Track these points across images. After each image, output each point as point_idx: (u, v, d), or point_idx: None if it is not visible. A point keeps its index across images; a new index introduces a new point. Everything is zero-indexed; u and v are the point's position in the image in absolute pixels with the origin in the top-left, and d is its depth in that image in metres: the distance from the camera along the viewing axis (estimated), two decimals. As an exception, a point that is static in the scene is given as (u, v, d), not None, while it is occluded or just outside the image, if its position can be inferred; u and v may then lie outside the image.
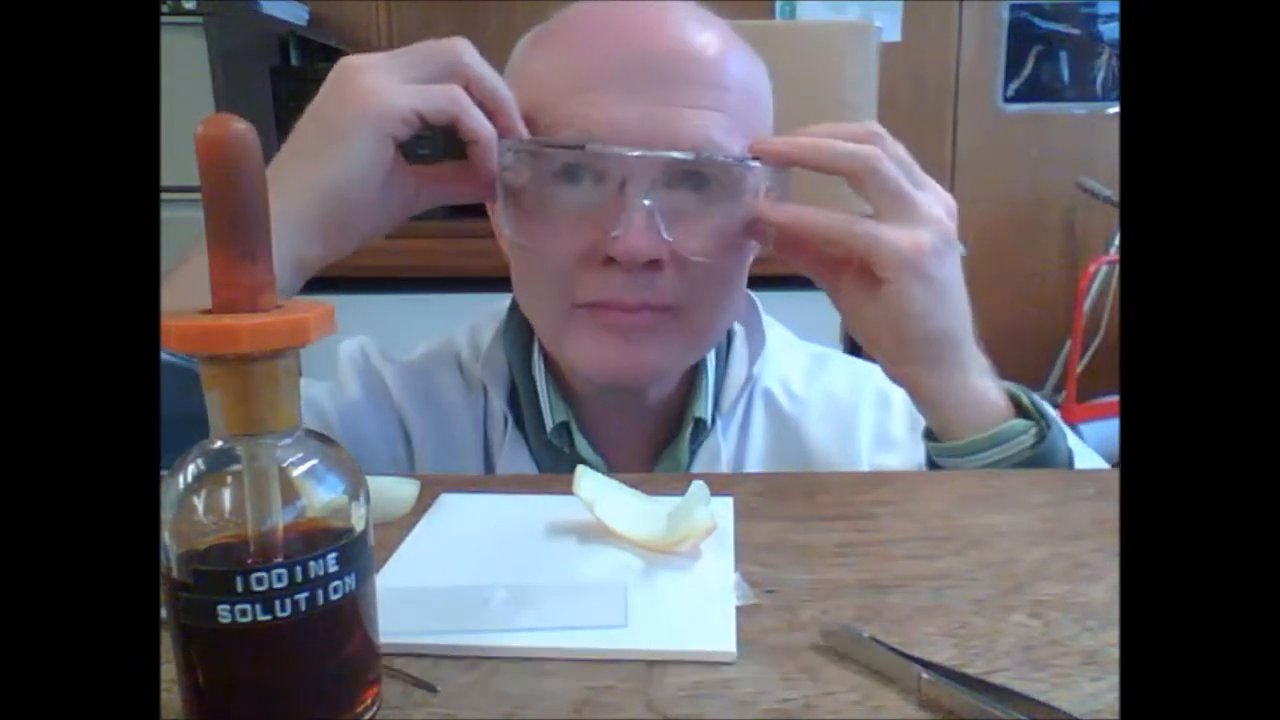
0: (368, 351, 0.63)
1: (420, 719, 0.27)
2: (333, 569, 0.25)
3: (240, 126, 0.23)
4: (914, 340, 0.49)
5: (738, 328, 0.62)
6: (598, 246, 0.49)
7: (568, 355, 0.54)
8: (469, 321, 0.65)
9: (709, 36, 0.52)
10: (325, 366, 0.62)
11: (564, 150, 0.50)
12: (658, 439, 0.59)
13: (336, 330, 0.25)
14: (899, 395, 0.60)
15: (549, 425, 0.57)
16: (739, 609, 0.33)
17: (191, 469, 0.25)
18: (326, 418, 0.59)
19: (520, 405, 0.59)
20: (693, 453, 0.58)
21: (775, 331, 0.64)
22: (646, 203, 0.48)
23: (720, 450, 0.58)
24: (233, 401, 0.24)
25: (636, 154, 0.48)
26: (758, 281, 0.64)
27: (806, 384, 0.61)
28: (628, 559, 0.37)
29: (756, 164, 0.51)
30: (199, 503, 0.25)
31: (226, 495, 0.25)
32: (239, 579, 0.23)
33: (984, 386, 0.50)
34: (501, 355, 0.60)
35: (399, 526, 0.41)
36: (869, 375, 0.62)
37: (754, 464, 0.59)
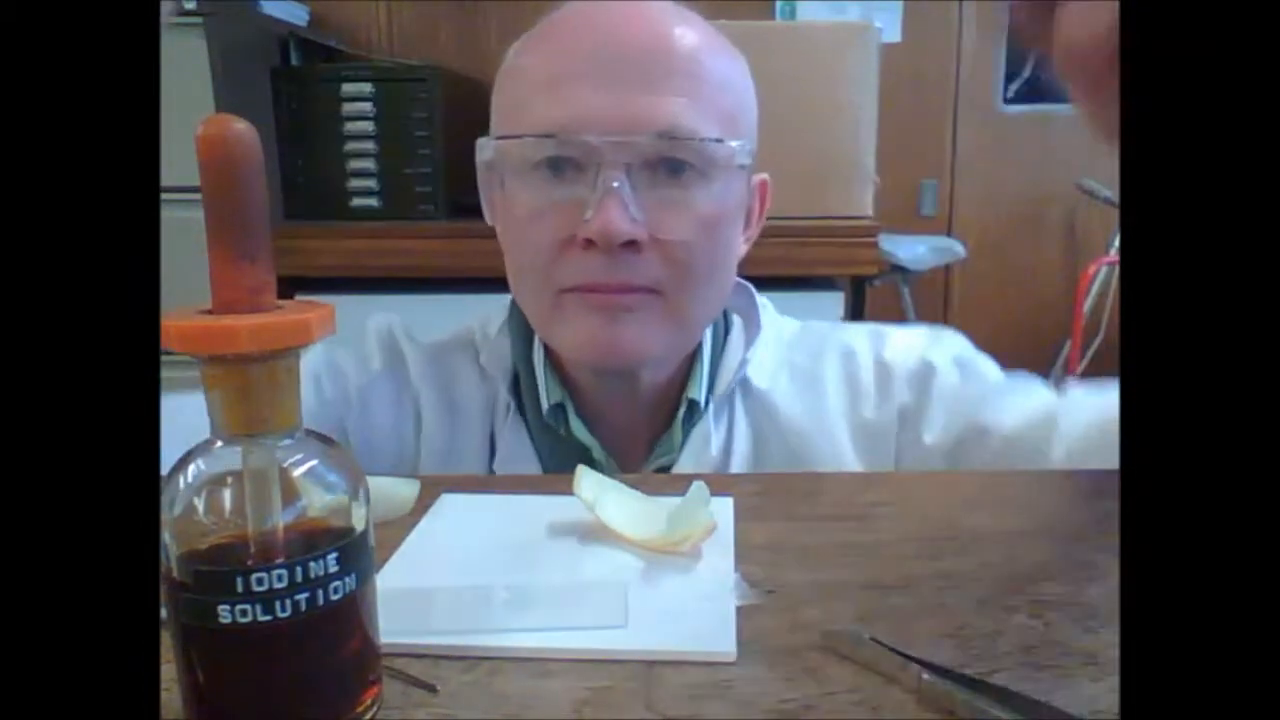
0: (394, 330, 0.65)
1: (420, 719, 0.27)
2: (333, 569, 0.25)
3: (240, 126, 0.23)
4: None
5: (736, 318, 0.63)
6: (577, 231, 0.51)
7: (556, 339, 0.55)
8: (484, 311, 0.66)
9: (682, 30, 0.54)
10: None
11: (539, 142, 0.52)
12: (653, 425, 0.60)
13: (335, 330, 0.25)
14: (863, 348, 0.61)
15: (545, 406, 0.58)
16: (739, 609, 0.33)
17: (191, 469, 0.25)
18: (347, 384, 0.61)
19: (522, 393, 0.60)
20: (686, 434, 0.59)
21: (770, 318, 0.64)
22: (616, 185, 0.50)
23: (711, 434, 0.59)
24: (233, 401, 0.24)
25: (600, 140, 0.50)
26: (757, 282, 0.64)
27: (775, 364, 0.62)
28: (628, 559, 0.37)
29: (724, 143, 0.52)
30: (199, 503, 0.25)
31: (226, 495, 0.25)
32: (239, 579, 0.23)
33: None
34: (506, 344, 0.61)
35: (399, 526, 0.41)
36: (831, 334, 0.63)
37: (740, 449, 0.59)
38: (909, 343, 0.62)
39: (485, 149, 0.55)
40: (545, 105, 0.52)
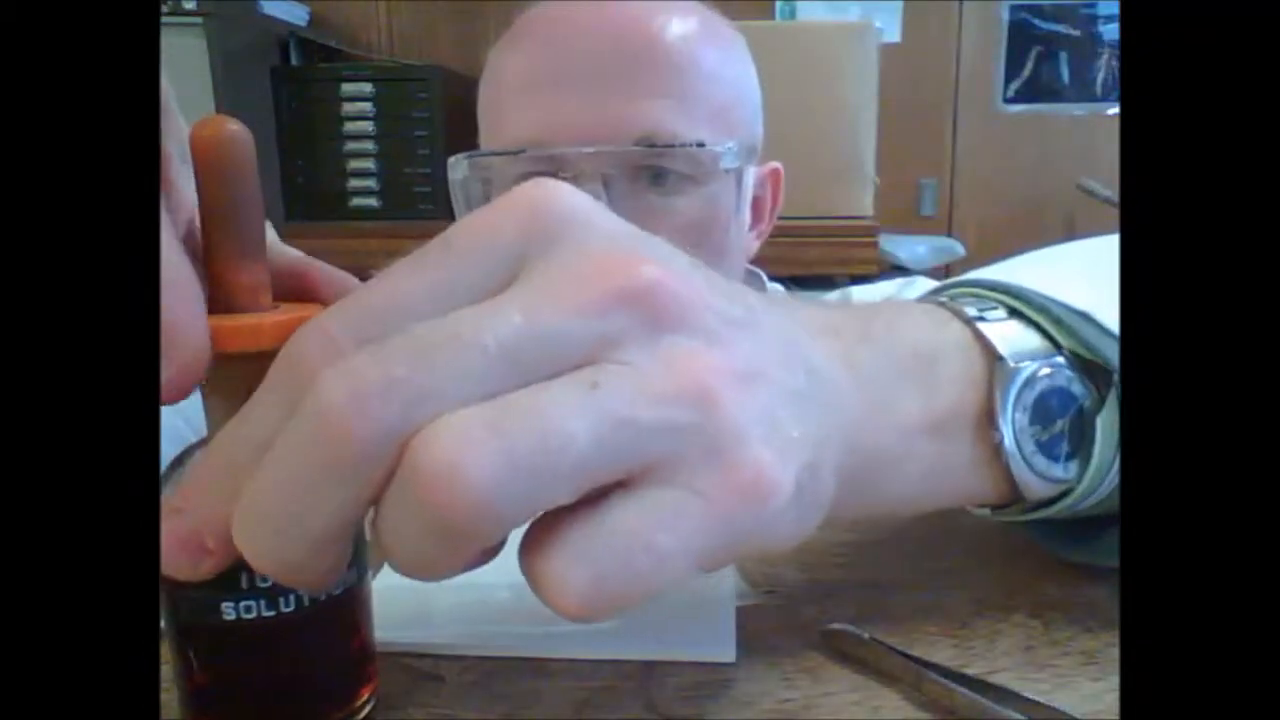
0: None
1: (420, 719, 0.27)
2: None
3: (234, 127, 0.23)
4: None
5: None
6: None
7: None
8: None
9: (664, 20, 0.51)
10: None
11: (513, 157, 0.49)
12: None
13: None
14: (846, 293, 0.61)
15: None
16: (739, 609, 0.33)
17: (187, 468, 0.25)
18: None
19: None
20: None
21: None
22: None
23: None
24: (226, 401, 0.24)
25: (573, 151, 0.47)
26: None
27: None
28: (628, 559, 0.37)
29: (706, 148, 0.49)
30: None
31: None
32: (243, 575, 0.24)
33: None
34: None
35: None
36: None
37: None
38: (880, 288, 0.61)
39: (458, 168, 0.51)
40: (518, 115, 0.49)
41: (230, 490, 0.21)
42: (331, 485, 0.19)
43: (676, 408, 0.19)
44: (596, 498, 0.20)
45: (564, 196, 0.21)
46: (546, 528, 0.20)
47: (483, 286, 0.20)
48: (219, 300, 0.24)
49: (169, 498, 0.23)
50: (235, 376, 0.24)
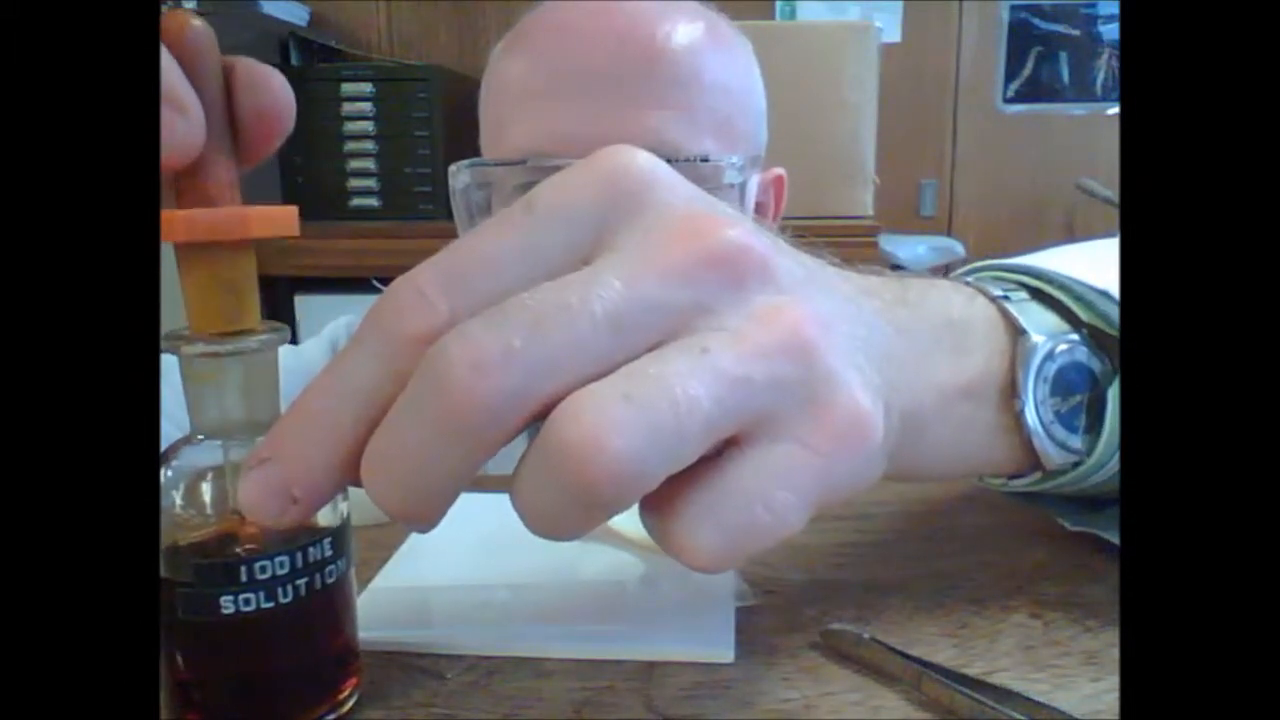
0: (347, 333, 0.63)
1: (420, 718, 0.27)
2: (328, 553, 0.25)
3: (197, 23, 0.23)
4: None
5: None
6: None
7: None
8: None
9: (668, 29, 0.50)
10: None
11: (514, 168, 0.49)
12: None
13: (295, 232, 0.25)
14: None
15: None
16: (739, 609, 0.33)
17: (175, 464, 0.25)
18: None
19: None
20: None
21: None
22: None
23: None
24: (194, 297, 0.24)
25: (572, 163, 0.46)
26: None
27: None
28: (628, 559, 0.37)
29: (710, 163, 0.48)
30: (179, 497, 0.25)
31: (207, 490, 0.25)
32: (243, 568, 0.24)
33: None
34: None
35: (399, 527, 0.40)
36: None
37: None
38: None
39: (459, 176, 0.50)
40: (520, 124, 0.49)
41: (321, 440, 0.21)
42: (452, 447, 0.20)
43: (781, 361, 0.21)
44: (711, 455, 0.21)
45: (641, 161, 0.23)
46: (669, 488, 0.21)
47: (565, 248, 0.22)
48: (189, 196, 0.24)
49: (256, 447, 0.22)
50: (210, 266, 0.24)
